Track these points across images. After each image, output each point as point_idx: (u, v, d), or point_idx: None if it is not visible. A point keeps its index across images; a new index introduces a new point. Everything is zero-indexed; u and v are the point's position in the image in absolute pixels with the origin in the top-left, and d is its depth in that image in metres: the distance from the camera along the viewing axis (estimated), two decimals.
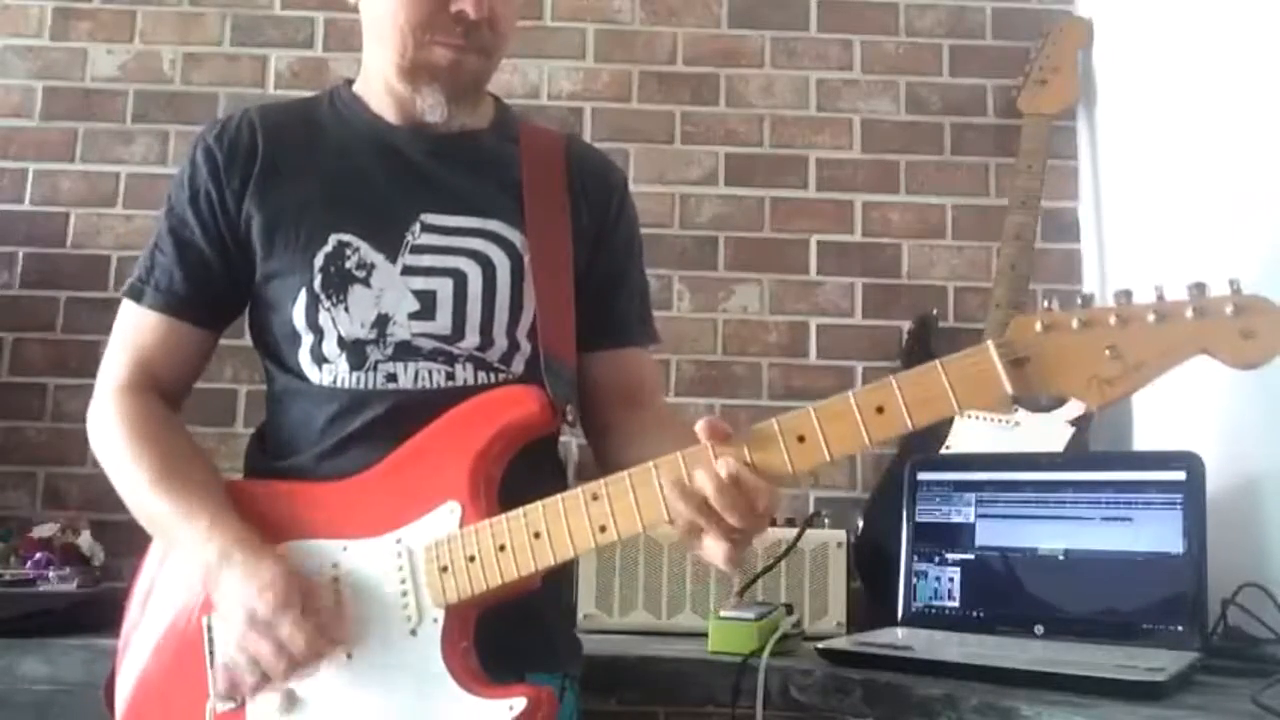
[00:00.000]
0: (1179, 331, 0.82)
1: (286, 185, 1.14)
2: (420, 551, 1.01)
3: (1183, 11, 1.78)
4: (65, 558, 1.72)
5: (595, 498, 0.97)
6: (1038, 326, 0.86)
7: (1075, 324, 0.85)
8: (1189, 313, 0.82)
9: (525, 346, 1.15)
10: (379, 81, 1.18)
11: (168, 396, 1.17)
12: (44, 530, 1.78)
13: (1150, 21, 1.89)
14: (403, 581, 1.01)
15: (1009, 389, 0.85)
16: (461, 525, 1.01)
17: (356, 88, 1.22)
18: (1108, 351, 0.83)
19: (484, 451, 1.04)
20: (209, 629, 1.05)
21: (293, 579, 0.99)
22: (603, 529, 0.96)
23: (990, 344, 0.87)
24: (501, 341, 1.14)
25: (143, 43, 2.14)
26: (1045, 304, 0.87)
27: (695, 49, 2.16)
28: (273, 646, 0.97)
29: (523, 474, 1.05)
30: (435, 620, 1.00)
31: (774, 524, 1.73)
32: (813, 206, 2.12)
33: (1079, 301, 0.87)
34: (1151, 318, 0.83)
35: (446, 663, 0.99)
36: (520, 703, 0.96)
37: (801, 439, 0.91)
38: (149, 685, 1.09)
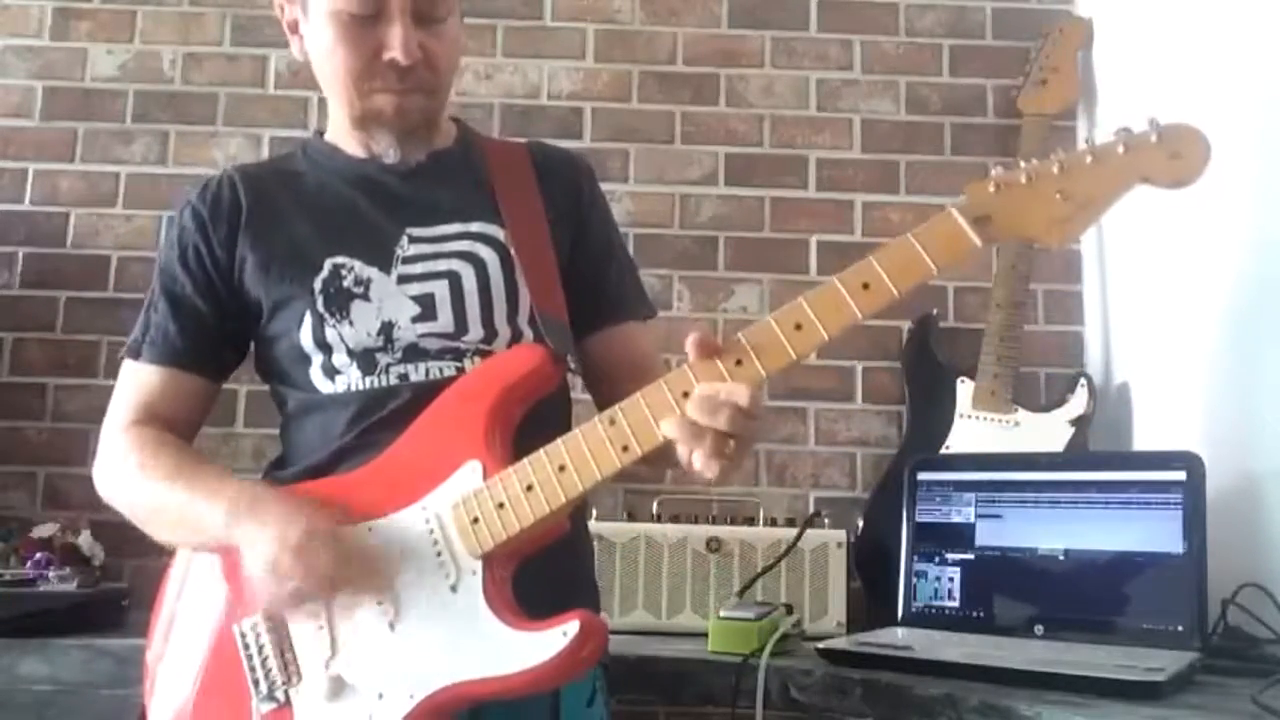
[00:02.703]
0: (1115, 166, 0.92)
1: (274, 227, 1.18)
2: (448, 512, 1.02)
3: (1182, 11, 1.78)
4: (65, 558, 1.72)
5: (612, 422, 0.98)
6: (991, 188, 0.95)
7: (1024, 180, 0.94)
8: (1120, 149, 0.92)
9: (528, 334, 1.17)
10: (342, 127, 1.22)
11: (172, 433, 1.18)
12: (44, 530, 1.79)
13: (1150, 21, 1.89)
14: (435, 543, 1.02)
15: (977, 241, 0.93)
16: (486, 479, 1.02)
17: (327, 135, 1.26)
18: (1058, 196, 0.93)
19: (495, 409, 1.05)
20: (241, 635, 1.05)
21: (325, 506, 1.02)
22: (625, 449, 0.97)
23: (951, 208, 0.95)
24: (505, 331, 1.16)
25: (143, 43, 2.14)
26: (991, 170, 0.96)
27: (695, 49, 2.16)
28: (326, 549, 0.98)
29: (541, 439, 1.05)
30: (474, 572, 1.01)
31: (774, 524, 1.74)
32: (813, 206, 2.12)
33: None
34: (1089, 160, 0.92)
35: (493, 609, 0.99)
36: (573, 626, 0.96)
37: (799, 326, 0.96)
38: (186, 709, 1.08)
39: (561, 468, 0.99)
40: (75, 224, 2.08)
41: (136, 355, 1.19)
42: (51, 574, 1.64)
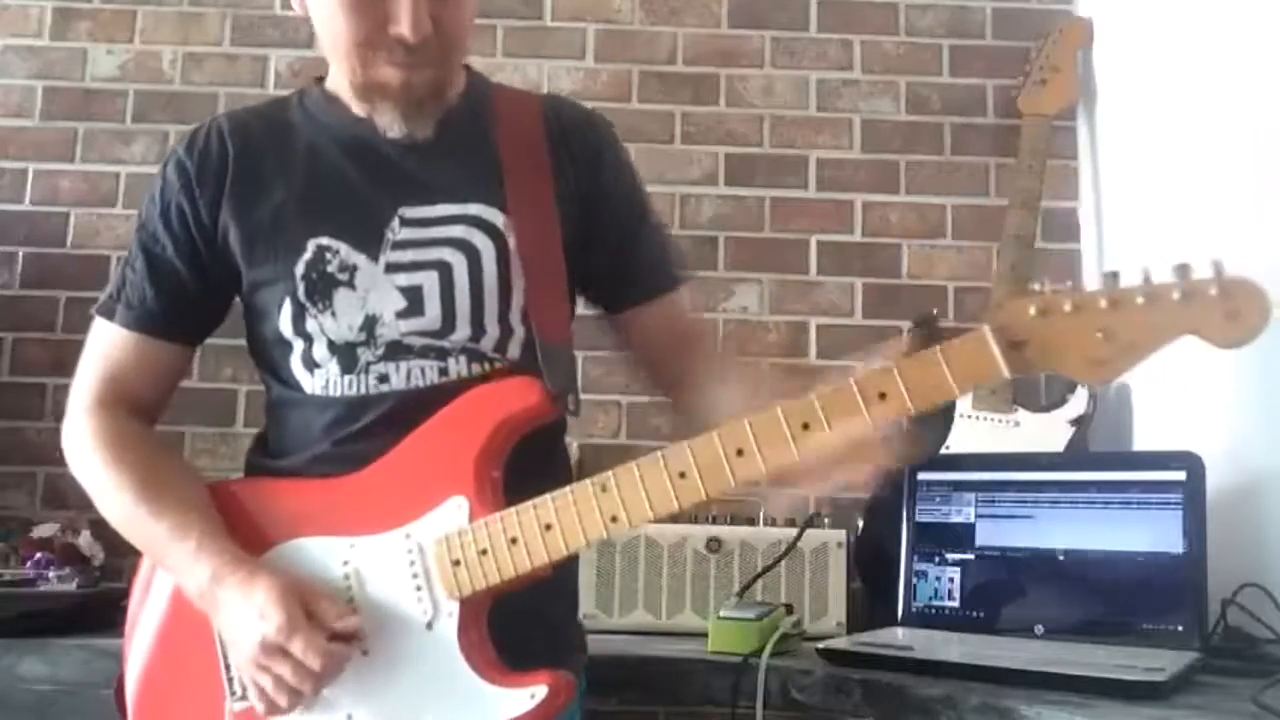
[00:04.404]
0: (1167, 314, 0.85)
1: (260, 193, 1.12)
2: (430, 546, 1.01)
3: (1183, 11, 1.78)
4: (65, 558, 1.72)
5: (604, 489, 0.97)
6: (1032, 311, 0.88)
7: (1068, 307, 0.87)
8: (1176, 295, 0.85)
9: (519, 330, 1.13)
10: (344, 86, 1.15)
11: (140, 413, 1.15)
12: (44, 530, 1.78)
13: (1150, 21, 1.89)
14: (415, 576, 1.01)
15: (1006, 373, 0.88)
16: (470, 520, 1.01)
17: (328, 84, 1.19)
18: (1100, 334, 0.86)
19: (486, 446, 1.03)
20: (220, 633, 1.04)
21: (290, 593, 0.98)
22: (614, 519, 0.97)
23: (986, 330, 0.89)
24: (493, 329, 1.12)
25: (143, 43, 2.14)
26: (1037, 287, 0.90)
27: (695, 49, 2.16)
28: (291, 667, 0.96)
29: (531, 466, 1.05)
30: (450, 614, 1.00)
31: (774, 524, 1.74)
32: (813, 206, 2.12)
33: (1100, 281, 0.88)
34: (1140, 300, 0.85)
35: (465, 655, 0.99)
36: (541, 690, 0.96)
37: (806, 426, 0.92)
38: (161, 687, 1.08)
39: (548, 526, 0.98)
40: (75, 224, 2.08)
41: (110, 315, 1.14)
42: (51, 574, 1.64)
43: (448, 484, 1.03)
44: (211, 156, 1.14)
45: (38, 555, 1.70)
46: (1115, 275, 0.88)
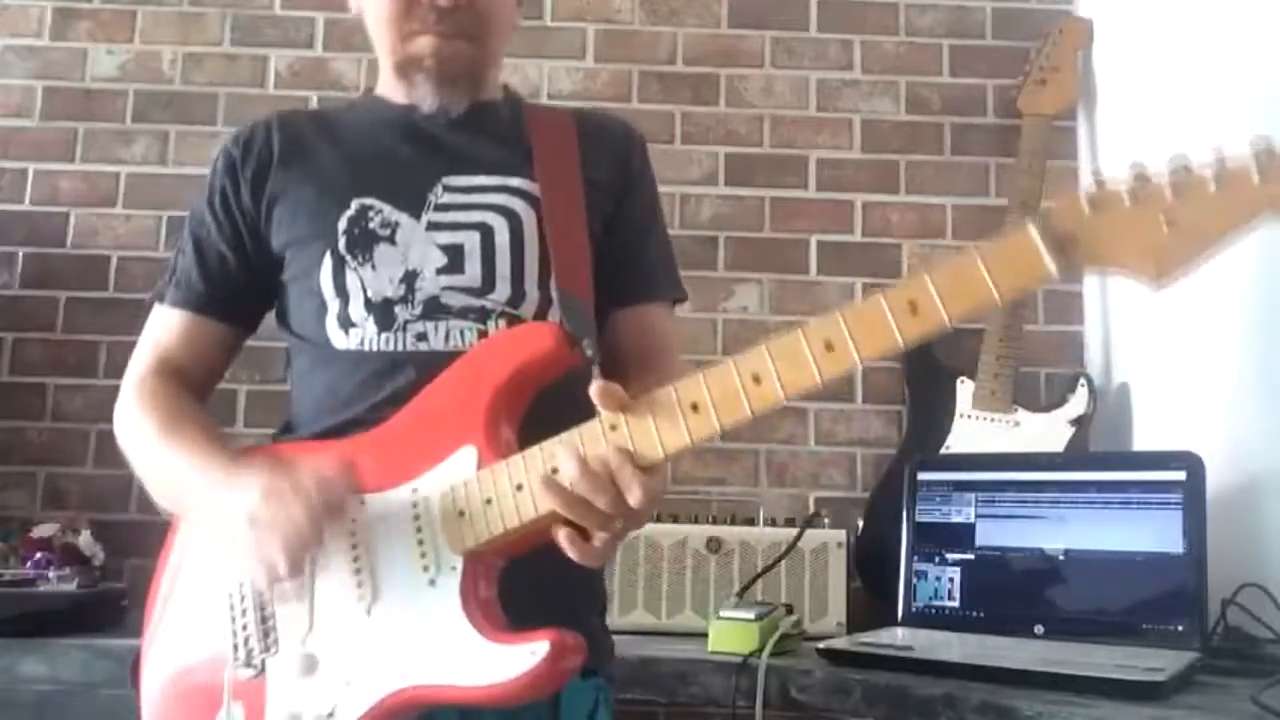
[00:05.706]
0: (1243, 194, 0.74)
1: (305, 168, 1.16)
2: (437, 499, 0.98)
3: (1183, 12, 1.78)
4: (65, 558, 1.72)
5: (613, 428, 0.92)
6: (1084, 206, 0.78)
7: (1126, 200, 0.77)
8: (1255, 176, 0.74)
9: (558, 300, 1.13)
10: (388, 80, 1.21)
11: (189, 389, 1.17)
12: (44, 530, 1.78)
13: (1150, 21, 1.89)
14: (419, 530, 0.98)
15: (1055, 272, 0.78)
16: (479, 469, 0.97)
17: (377, 91, 1.25)
18: (1163, 220, 0.76)
19: (499, 392, 0.99)
20: (229, 598, 1.03)
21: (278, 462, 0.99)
22: None
23: (1030, 226, 0.79)
24: (534, 294, 1.12)
25: (143, 43, 2.14)
26: (1094, 177, 0.80)
27: (695, 49, 2.17)
28: (302, 504, 0.94)
29: (561, 419, 0.99)
30: (454, 569, 0.96)
31: (774, 524, 1.74)
32: (813, 206, 2.12)
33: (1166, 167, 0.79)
34: (1213, 187, 0.75)
35: (466, 612, 0.95)
36: (542, 646, 0.90)
37: (830, 346, 0.85)
38: (171, 656, 1.08)
39: (554, 470, 0.92)
40: (75, 224, 2.08)
41: (161, 299, 1.19)
42: (51, 574, 1.64)
43: (459, 433, 0.99)
44: (256, 141, 1.19)
45: (38, 555, 1.70)
46: (1184, 158, 0.78)
